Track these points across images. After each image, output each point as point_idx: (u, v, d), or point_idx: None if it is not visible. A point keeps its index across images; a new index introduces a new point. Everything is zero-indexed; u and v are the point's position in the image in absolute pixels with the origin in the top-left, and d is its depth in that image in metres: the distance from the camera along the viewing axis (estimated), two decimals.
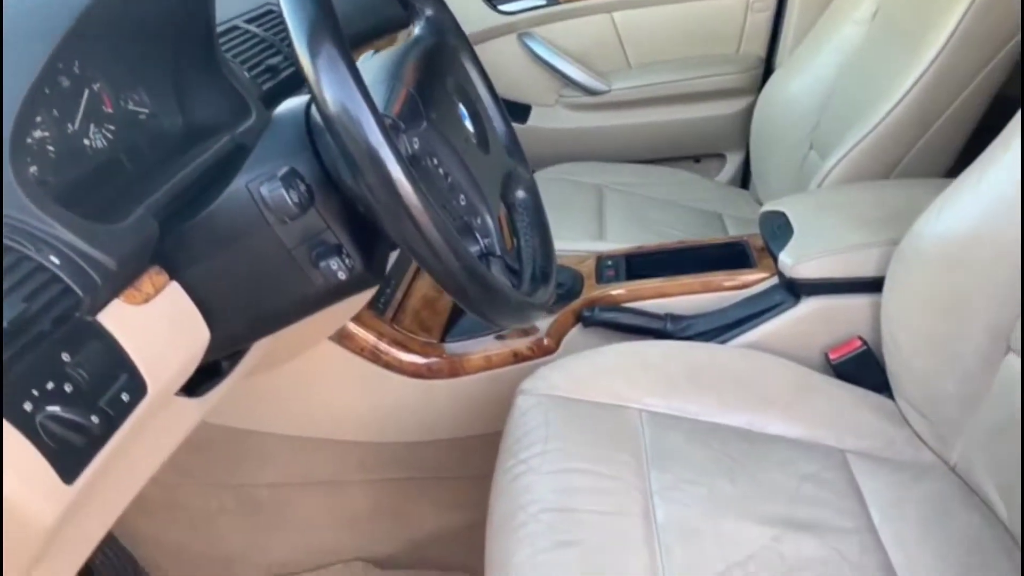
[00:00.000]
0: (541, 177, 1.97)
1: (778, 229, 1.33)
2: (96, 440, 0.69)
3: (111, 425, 0.70)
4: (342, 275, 0.82)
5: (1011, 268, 1.02)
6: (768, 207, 1.40)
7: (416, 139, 0.85)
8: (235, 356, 1.01)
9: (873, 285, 1.22)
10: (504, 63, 2.12)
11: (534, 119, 2.18)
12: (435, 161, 0.87)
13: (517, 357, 1.33)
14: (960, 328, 1.08)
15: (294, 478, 1.35)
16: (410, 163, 0.72)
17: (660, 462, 1.07)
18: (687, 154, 2.19)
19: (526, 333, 1.35)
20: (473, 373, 1.32)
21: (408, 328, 1.34)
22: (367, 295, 1.25)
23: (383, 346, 1.28)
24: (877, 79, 1.55)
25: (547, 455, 1.06)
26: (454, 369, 1.32)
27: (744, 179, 2.18)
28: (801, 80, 1.84)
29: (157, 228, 0.80)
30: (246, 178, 0.81)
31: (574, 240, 1.63)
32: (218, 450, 1.32)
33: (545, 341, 1.34)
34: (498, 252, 0.89)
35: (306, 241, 0.84)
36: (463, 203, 0.89)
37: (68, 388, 0.68)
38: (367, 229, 0.85)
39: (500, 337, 1.35)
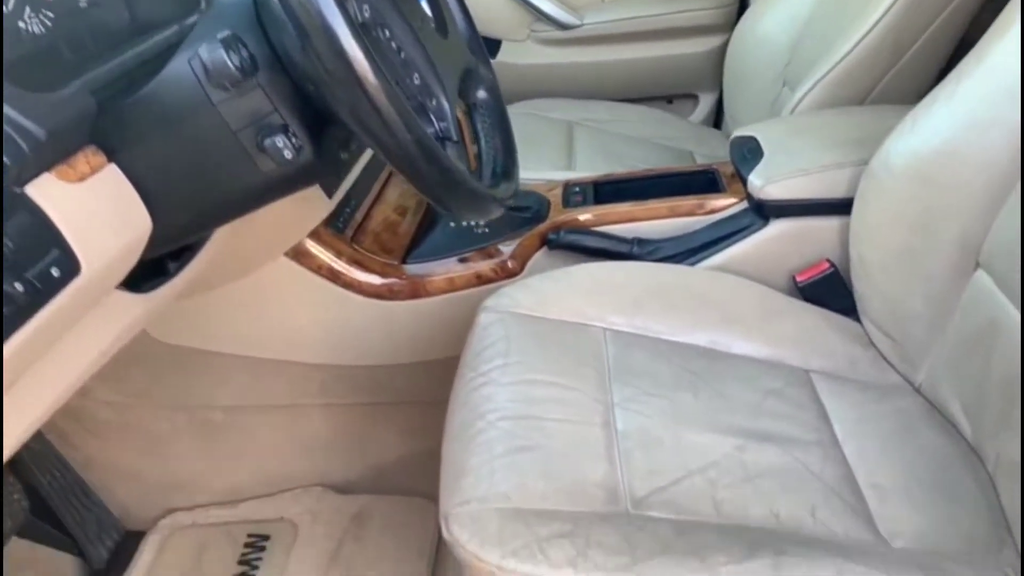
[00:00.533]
0: (509, 112, 1.92)
1: (748, 153, 1.30)
2: (21, 311, 0.65)
3: (38, 298, 0.66)
4: (288, 154, 0.78)
5: (983, 181, 1.00)
6: (739, 132, 1.38)
7: (367, 6, 0.80)
8: (183, 258, 0.97)
9: (843, 207, 1.19)
10: None
11: (504, 54, 2.13)
12: (387, 33, 0.83)
13: (480, 279, 1.30)
14: (929, 244, 1.06)
15: (251, 401, 1.32)
16: (360, 31, 0.69)
17: (622, 376, 1.05)
18: (660, 94, 2.16)
19: (490, 255, 1.32)
20: (435, 295, 1.29)
21: (368, 249, 1.30)
22: (321, 207, 1.22)
23: (341, 265, 1.25)
24: (850, 9, 1.52)
25: (508, 368, 1.03)
26: (415, 290, 1.28)
27: (717, 120, 2.15)
28: (774, 17, 1.81)
29: (94, 104, 0.76)
30: (187, 53, 0.77)
31: (541, 170, 1.60)
32: (171, 371, 1.28)
33: (509, 264, 1.31)
34: (454, 138, 0.86)
35: (252, 123, 0.80)
36: (417, 82, 0.85)
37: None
38: (317, 113, 0.82)
39: (463, 260, 1.32)
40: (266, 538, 1.29)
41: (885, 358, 1.15)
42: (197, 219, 0.87)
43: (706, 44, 2.09)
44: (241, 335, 1.27)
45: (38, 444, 1.30)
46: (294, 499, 1.34)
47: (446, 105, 0.86)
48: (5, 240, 0.66)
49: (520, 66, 2.14)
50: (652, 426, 0.97)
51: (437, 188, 0.78)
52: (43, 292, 0.68)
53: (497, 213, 0.91)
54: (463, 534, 0.81)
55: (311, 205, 1.21)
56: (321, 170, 0.84)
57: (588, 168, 1.61)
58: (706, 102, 2.16)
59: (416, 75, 0.85)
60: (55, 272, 0.69)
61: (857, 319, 1.20)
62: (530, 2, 2.08)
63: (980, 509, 0.93)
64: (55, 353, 0.78)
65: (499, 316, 1.13)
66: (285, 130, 0.79)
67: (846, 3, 1.59)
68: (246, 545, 1.28)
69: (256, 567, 1.24)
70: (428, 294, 1.29)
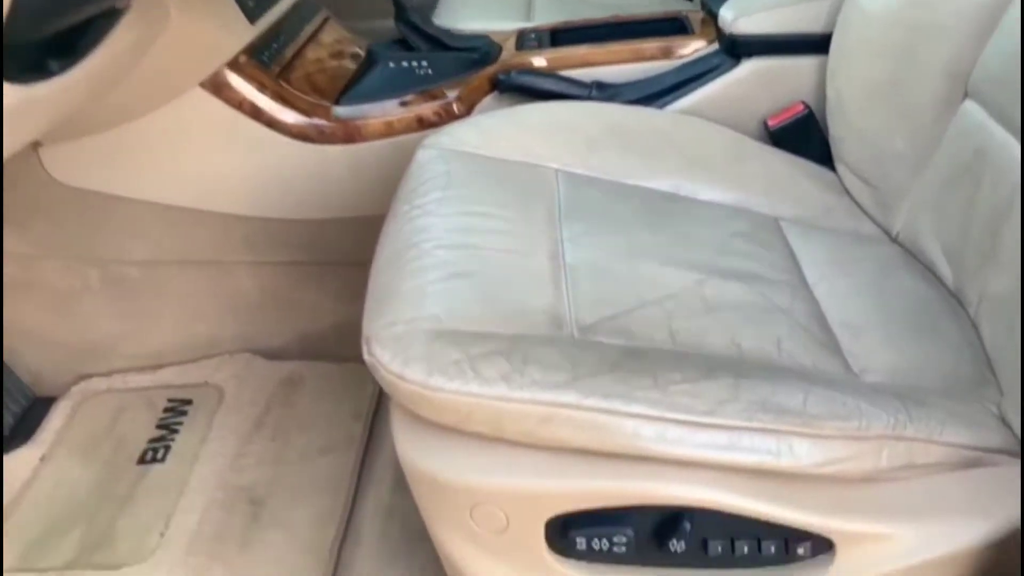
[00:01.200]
0: None
1: None
2: None
3: None
4: None
5: (976, 3, 0.90)
6: None
7: None
8: (66, 59, 0.84)
9: (821, 44, 1.09)
10: None
11: None
12: None
13: (422, 123, 1.18)
14: (914, 73, 0.96)
15: (169, 255, 1.20)
16: None
17: (574, 214, 0.94)
18: None
19: (433, 97, 1.20)
20: (371, 139, 1.17)
21: (297, 88, 1.18)
22: (241, 32, 1.09)
23: (264, 100, 1.12)
24: None
25: (446, 200, 0.93)
26: (349, 134, 1.16)
27: None
28: None
29: None
30: None
31: (493, 21, 1.46)
32: (78, 219, 1.16)
33: (455, 107, 1.19)
34: None
35: None
36: None
37: None
38: None
39: (404, 103, 1.20)
40: (188, 403, 1.18)
41: (861, 207, 1.07)
42: None
43: None
44: (154, 179, 1.15)
45: None
46: (219, 365, 1.24)
47: None
48: None
49: None
50: (604, 259, 0.87)
51: None
52: None
53: None
54: (385, 354, 0.71)
55: (229, 29, 1.08)
56: None
57: (548, 16, 1.48)
58: None
59: None
60: None
61: (832, 168, 1.11)
62: None
63: (961, 350, 0.85)
64: None
65: (440, 153, 1.02)
66: None
67: None
68: (166, 410, 1.18)
69: (176, 431, 1.14)
70: (363, 138, 1.17)
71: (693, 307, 0.82)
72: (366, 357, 0.72)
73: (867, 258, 0.98)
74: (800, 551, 0.69)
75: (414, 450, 0.71)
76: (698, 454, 0.66)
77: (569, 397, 0.66)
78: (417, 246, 0.86)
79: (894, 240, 1.02)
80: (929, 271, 0.96)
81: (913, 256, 0.99)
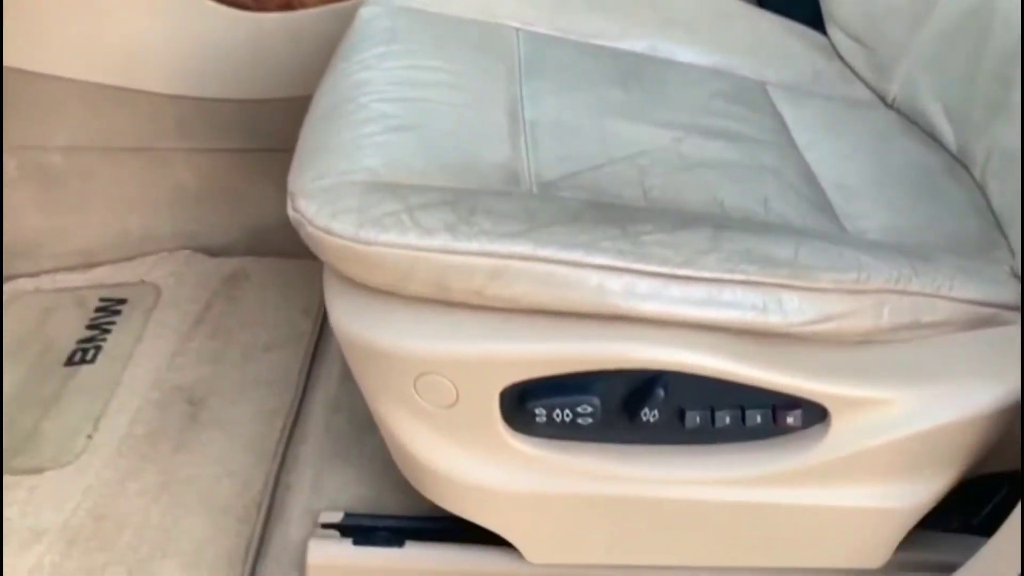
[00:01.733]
0: None
1: None
2: None
3: None
4: None
5: None
6: None
7: None
8: None
9: None
10: None
11: None
12: None
13: None
14: None
15: (94, 140, 1.09)
16: None
17: (536, 72, 0.84)
18: None
19: None
20: (311, 5, 1.06)
21: None
22: None
23: None
24: None
25: (390, 55, 0.82)
26: None
27: None
28: None
29: None
30: None
31: None
32: None
33: None
34: None
35: None
36: None
37: None
38: None
39: None
40: (122, 302, 1.08)
41: (853, 70, 0.97)
42: None
43: None
44: (72, 53, 1.03)
45: None
46: (157, 263, 1.14)
47: None
48: None
49: None
50: (569, 116, 0.78)
51: None
52: None
53: None
54: (311, 207, 0.61)
55: None
56: None
57: None
58: None
59: None
60: None
61: (822, 31, 1.01)
62: None
63: (965, 213, 0.76)
64: None
65: (385, 10, 0.91)
66: None
67: None
68: (97, 310, 1.08)
69: (108, 331, 1.04)
70: (302, 4, 1.05)
71: (669, 164, 0.73)
72: (290, 213, 0.63)
73: (861, 122, 0.89)
74: (789, 420, 0.61)
75: (348, 316, 0.62)
76: (673, 310, 0.58)
77: (523, 247, 0.57)
78: (354, 100, 0.75)
79: (889, 106, 0.93)
80: (928, 135, 0.87)
81: (911, 122, 0.90)
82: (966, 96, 0.82)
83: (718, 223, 0.63)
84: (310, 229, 0.61)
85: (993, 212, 0.75)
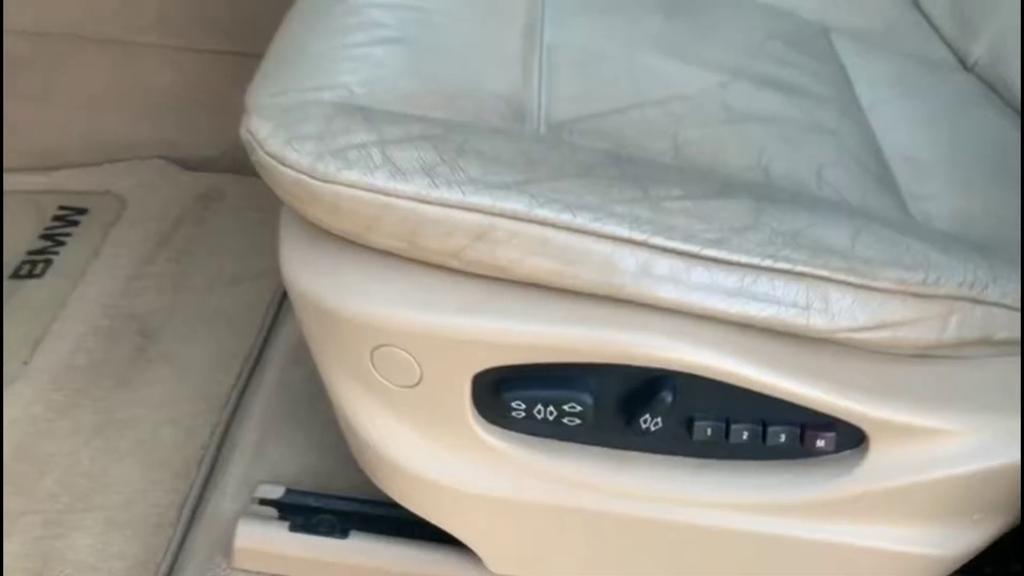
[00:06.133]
0: None
1: None
2: None
3: None
4: None
5: None
6: None
7: None
8: None
9: None
10: None
11: None
12: None
13: None
14: None
15: (63, 27, 0.97)
16: None
17: None
18: None
19: None
20: None
21: None
22: None
23: None
24: None
25: None
26: None
27: None
28: None
29: None
30: None
31: None
32: None
33: None
34: None
35: None
36: None
37: None
38: None
39: None
40: (82, 212, 0.98)
41: (932, 23, 0.84)
42: None
43: None
44: None
45: None
46: (126, 170, 1.03)
47: None
48: None
49: None
50: (597, 43, 0.66)
51: None
52: None
53: None
54: (263, 128, 0.49)
55: None
56: None
57: None
58: None
59: None
60: None
61: None
62: None
63: None
64: None
65: None
66: None
67: None
68: (55, 218, 0.97)
69: (62, 243, 0.94)
70: None
71: (710, 114, 0.61)
72: (242, 132, 0.51)
73: (935, 85, 0.76)
74: (820, 443, 0.50)
75: (300, 266, 0.51)
76: (694, 299, 0.47)
77: (517, 204, 0.46)
78: (343, 3, 0.63)
79: (969, 70, 0.80)
80: (1011, 108, 0.75)
81: (992, 90, 0.77)
82: None
83: (761, 194, 0.51)
84: (261, 154, 0.49)
85: None
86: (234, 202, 1.00)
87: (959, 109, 0.74)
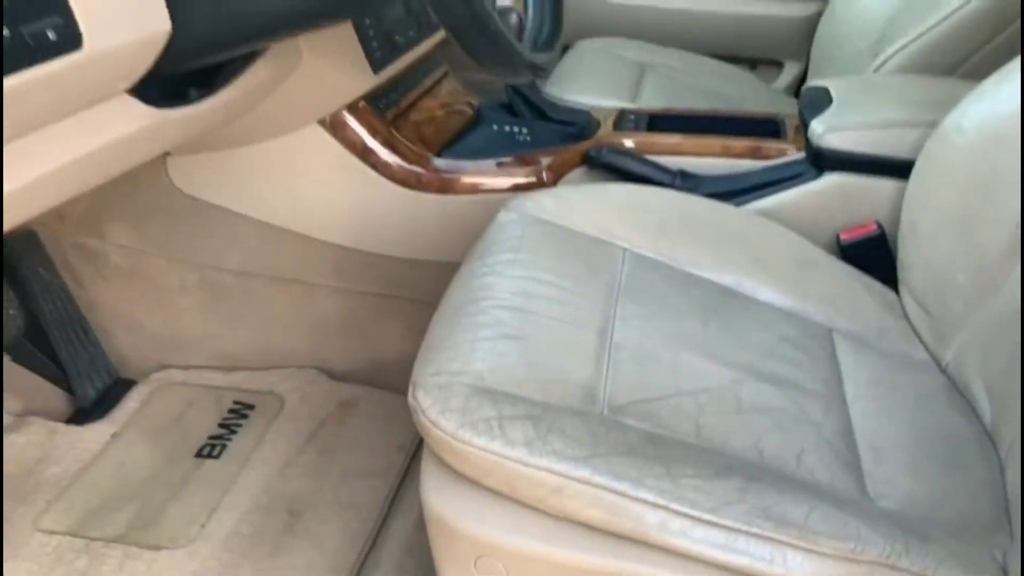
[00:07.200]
0: (582, 47, 1.87)
1: (817, 101, 1.23)
2: (6, 57, 0.63)
3: (27, 53, 0.64)
4: None
5: None
6: (812, 83, 1.30)
7: None
8: (205, 87, 0.94)
9: (903, 169, 1.11)
10: None
11: None
12: None
13: (512, 186, 1.25)
14: (987, 213, 0.98)
15: (263, 269, 1.29)
16: None
17: (632, 294, 0.99)
18: (744, 55, 2.06)
19: (527, 163, 1.27)
20: (463, 194, 1.25)
21: (406, 136, 1.27)
22: (363, 80, 1.18)
23: (374, 144, 1.21)
24: None
25: (515, 263, 0.99)
26: (444, 185, 1.24)
27: (798, 91, 2.05)
28: None
29: None
30: None
31: (603, 99, 1.54)
32: (187, 224, 1.27)
33: (544, 174, 1.26)
34: None
35: None
36: None
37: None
38: None
39: (499, 164, 1.27)
40: (251, 407, 1.27)
41: (917, 332, 1.08)
42: (215, 34, 0.84)
43: (800, 10, 1.99)
44: (261, 199, 1.25)
45: (49, 274, 1.30)
46: (287, 376, 1.32)
47: None
48: None
49: (607, 3, 2.06)
50: (650, 344, 0.92)
51: (460, 25, 0.73)
52: (34, 50, 0.66)
53: (526, 78, 0.86)
54: (427, 400, 0.77)
55: (354, 75, 1.18)
56: (344, 3, 0.80)
57: (652, 102, 1.54)
58: (790, 71, 2.06)
59: None
60: (51, 35, 0.67)
61: (896, 290, 1.12)
62: None
63: (983, 489, 0.86)
64: (57, 131, 0.77)
65: (519, 216, 1.08)
66: None
67: None
68: (230, 411, 1.26)
69: (235, 432, 1.22)
70: (456, 191, 1.24)
71: (726, 404, 0.86)
72: (409, 400, 0.79)
73: (911, 384, 0.99)
74: None
75: (434, 492, 0.77)
76: (696, 549, 0.70)
77: (583, 472, 0.71)
78: (477, 303, 0.92)
79: (943, 370, 1.03)
80: (970, 407, 0.97)
81: (958, 390, 1.00)
82: (1003, 383, 0.92)
83: (750, 475, 0.75)
84: (421, 418, 0.77)
85: (1006, 495, 0.85)
86: (366, 409, 1.28)
87: (925, 405, 0.97)
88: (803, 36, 1.98)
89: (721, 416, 0.84)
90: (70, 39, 0.69)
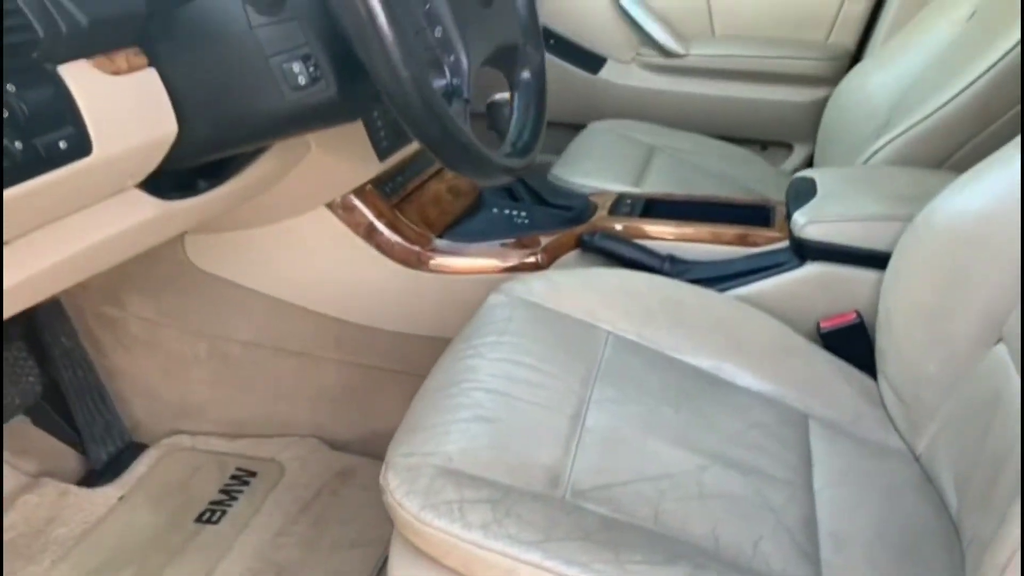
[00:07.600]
0: (595, 128, 1.94)
1: (803, 192, 1.27)
2: (18, 169, 0.70)
3: (38, 162, 0.71)
4: (301, 79, 0.81)
5: (1018, 252, 0.95)
6: (801, 173, 1.35)
7: None
8: (214, 178, 1.02)
9: (882, 261, 1.15)
10: (587, 8, 2.10)
11: (606, 72, 2.15)
12: None
13: (507, 267, 1.30)
14: (956, 307, 1.01)
15: (269, 341, 1.36)
16: None
17: (609, 378, 1.03)
18: (754, 138, 2.12)
19: (524, 246, 1.33)
20: (461, 274, 1.31)
21: (410, 218, 1.33)
22: (370, 167, 1.26)
23: (379, 225, 1.28)
24: (951, 72, 1.47)
25: (499, 345, 1.04)
26: (442, 265, 1.30)
27: None
28: (883, 74, 1.76)
29: (143, 6, 0.80)
30: None
31: (606, 182, 1.60)
32: (201, 297, 1.34)
33: (539, 257, 1.31)
34: (465, 96, 0.87)
35: (284, 52, 0.84)
36: (438, 35, 0.88)
37: (4, 113, 0.69)
38: (349, 55, 0.85)
39: (497, 246, 1.33)
40: (253, 475, 1.32)
41: (892, 421, 1.10)
42: (221, 135, 0.91)
43: (810, 95, 2.05)
44: (270, 275, 1.32)
45: (71, 342, 1.38)
46: (289, 445, 1.38)
47: (464, 64, 0.88)
48: (21, 104, 0.71)
49: (620, 86, 2.14)
50: (621, 428, 0.96)
51: (428, 131, 0.79)
52: (45, 160, 0.72)
53: (501, 180, 0.92)
54: (394, 481, 0.82)
55: (360, 163, 1.25)
56: (343, 109, 0.87)
57: (654, 189, 1.60)
58: (800, 153, 2.11)
59: (439, 28, 0.88)
60: (63, 145, 0.73)
61: (874, 378, 1.15)
62: (640, 25, 2.08)
63: None
64: (66, 225, 0.84)
65: (508, 299, 1.14)
66: (306, 59, 0.82)
67: (951, 67, 1.53)
68: (232, 477, 1.32)
69: (235, 499, 1.28)
70: (454, 271, 1.30)
71: (687, 490, 0.89)
72: (380, 479, 0.83)
73: (881, 473, 1.01)
74: None
75: (400, 569, 0.81)
76: None
77: (533, 556, 0.75)
78: (459, 384, 0.97)
79: (916, 459, 1.05)
80: (939, 497, 0.99)
81: (929, 480, 1.02)
82: (969, 475, 0.93)
83: (699, 562, 0.78)
84: (387, 497, 0.81)
85: None
86: (362, 480, 1.33)
87: (894, 495, 0.98)
88: (812, 120, 2.03)
89: (681, 502, 0.87)
90: (81, 147, 0.75)
